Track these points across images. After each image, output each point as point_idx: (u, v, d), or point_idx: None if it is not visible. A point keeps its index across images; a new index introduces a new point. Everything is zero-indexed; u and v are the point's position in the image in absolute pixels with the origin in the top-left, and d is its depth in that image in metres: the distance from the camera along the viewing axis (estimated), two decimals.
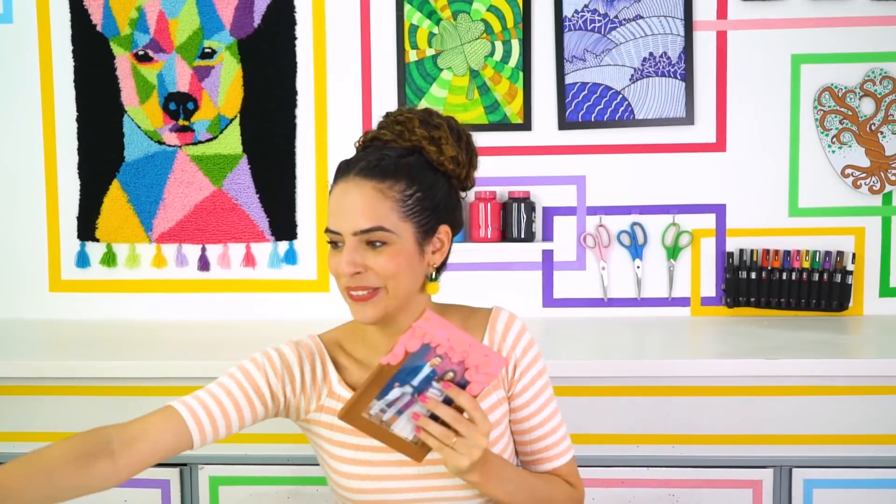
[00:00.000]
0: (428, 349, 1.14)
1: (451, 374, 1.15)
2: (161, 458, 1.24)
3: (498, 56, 2.41)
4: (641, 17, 2.38)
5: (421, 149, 1.29)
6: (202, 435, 1.26)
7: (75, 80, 2.48)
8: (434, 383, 1.15)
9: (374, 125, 1.36)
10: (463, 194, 1.37)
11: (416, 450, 1.19)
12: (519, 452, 1.39)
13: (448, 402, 1.17)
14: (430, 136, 1.29)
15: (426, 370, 1.15)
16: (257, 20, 2.44)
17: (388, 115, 1.33)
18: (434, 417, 1.17)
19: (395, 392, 1.16)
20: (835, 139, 2.36)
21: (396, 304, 1.27)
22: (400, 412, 1.17)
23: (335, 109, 2.45)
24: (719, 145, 2.40)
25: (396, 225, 1.24)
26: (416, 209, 1.26)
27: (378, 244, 1.24)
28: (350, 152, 1.36)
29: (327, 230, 1.27)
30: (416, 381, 1.15)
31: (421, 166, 1.28)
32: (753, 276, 2.36)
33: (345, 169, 1.27)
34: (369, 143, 1.32)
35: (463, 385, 1.16)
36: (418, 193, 1.26)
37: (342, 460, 1.32)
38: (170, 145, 2.47)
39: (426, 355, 1.14)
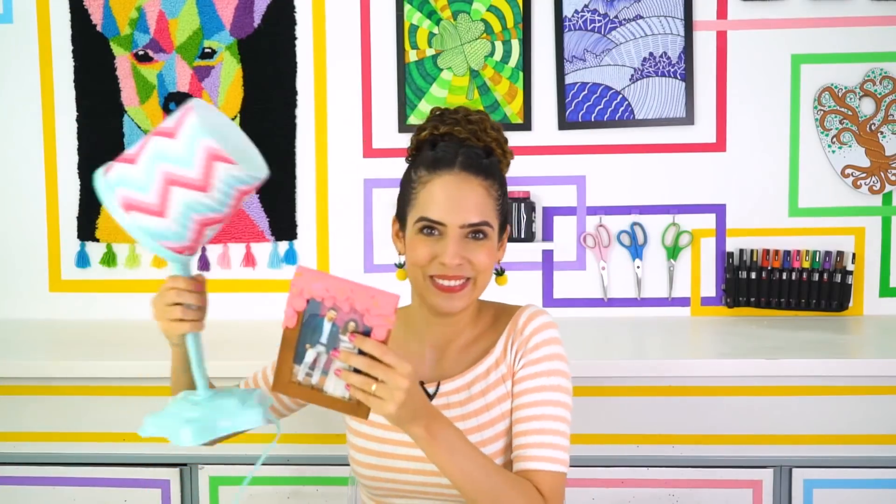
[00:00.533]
0: (318, 305, 1.14)
1: (353, 324, 1.14)
2: None
3: (498, 56, 2.41)
4: (641, 17, 2.38)
5: (491, 150, 1.35)
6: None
7: (75, 80, 2.48)
8: (341, 336, 1.14)
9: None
10: None
11: (355, 407, 1.17)
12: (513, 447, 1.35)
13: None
14: (499, 139, 1.36)
15: (327, 325, 1.14)
16: (257, 20, 2.44)
17: (446, 112, 1.36)
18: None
19: (310, 354, 1.15)
20: (835, 139, 2.36)
21: (478, 296, 1.34)
22: (325, 372, 1.16)
23: (335, 109, 2.45)
24: (719, 145, 2.40)
25: (493, 222, 1.31)
26: (500, 209, 1.34)
27: (479, 236, 1.29)
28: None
29: (426, 219, 1.29)
30: (323, 339, 1.15)
31: (499, 169, 1.36)
32: (753, 276, 2.36)
33: (441, 162, 1.30)
34: (440, 138, 1.34)
35: (367, 332, 1.14)
36: (502, 194, 1.35)
37: (357, 434, 1.37)
38: None
39: (320, 311, 1.14)
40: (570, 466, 1.43)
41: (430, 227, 1.29)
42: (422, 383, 1.34)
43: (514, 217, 2.35)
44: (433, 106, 2.45)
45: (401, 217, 1.36)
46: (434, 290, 1.29)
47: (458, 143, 1.32)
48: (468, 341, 1.39)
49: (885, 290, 2.39)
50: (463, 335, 1.39)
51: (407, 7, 2.42)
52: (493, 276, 1.38)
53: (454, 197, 1.28)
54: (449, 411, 1.32)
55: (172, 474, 1.94)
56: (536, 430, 1.29)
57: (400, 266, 1.41)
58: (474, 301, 1.35)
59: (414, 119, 2.43)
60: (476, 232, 1.29)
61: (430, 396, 1.34)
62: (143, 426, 1.20)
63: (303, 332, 1.15)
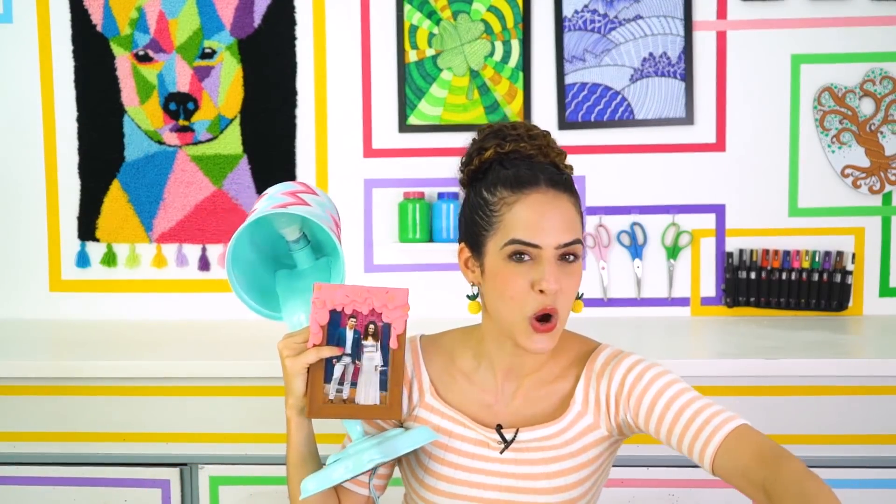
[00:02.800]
0: (338, 315, 1.17)
1: (372, 327, 1.19)
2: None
3: (498, 56, 2.41)
4: (641, 18, 2.38)
5: (558, 166, 1.26)
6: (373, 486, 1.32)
7: (75, 80, 2.48)
8: (364, 342, 1.18)
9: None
10: None
11: (387, 409, 1.20)
12: (686, 451, 1.22)
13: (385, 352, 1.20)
14: (562, 153, 1.28)
15: (349, 334, 1.18)
16: (257, 20, 2.44)
17: (504, 128, 1.27)
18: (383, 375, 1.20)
19: (338, 368, 1.19)
20: (835, 139, 2.36)
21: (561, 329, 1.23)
22: (354, 384, 1.19)
23: (335, 109, 2.45)
24: (719, 145, 2.40)
25: (583, 241, 1.23)
26: (583, 230, 1.25)
27: (569, 261, 1.20)
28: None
29: (518, 241, 1.18)
30: (348, 349, 1.18)
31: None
32: (753, 276, 2.36)
33: (526, 181, 1.21)
34: (505, 155, 1.25)
35: (387, 329, 1.19)
36: (583, 213, 1.26)
37: (440, 461, 1.29)
38: (170, 145, 2.47)
39: (340, 321, 1.18)
40: None
41: (521, 253, 1.18)
42: (499, 427, 1.27)
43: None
44: (436, 108, 2.47)
45: (475, 245, 1.24)
46: (530, 332, 1.19)
47: (528, 159, 1.24)
48: (547, 378, 1.30)
49: (885, 290, 2.39)
50: (543, 369, 1.30)
51: (407, 7, 2.42)
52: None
53: (546, 216, 1.18)
54: (528, 454, 1.26)
55: (172, 474, 1.94)
56: (689, 417, 1.20)
57: (472, 297, 1.29)
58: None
59: (414, 119, 2.43)
60: (568, 254, 1.19)
61: (508, 443, 1.26)
62: (304, 487, 1.21)
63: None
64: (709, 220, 2.41)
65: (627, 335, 2.22)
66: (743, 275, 2.36)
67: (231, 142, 2.46)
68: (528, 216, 1.19)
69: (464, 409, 1.30)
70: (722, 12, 2.38)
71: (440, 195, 2.38)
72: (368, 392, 1.19)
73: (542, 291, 1.17)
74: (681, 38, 2.38)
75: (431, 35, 2.42)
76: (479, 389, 1.30)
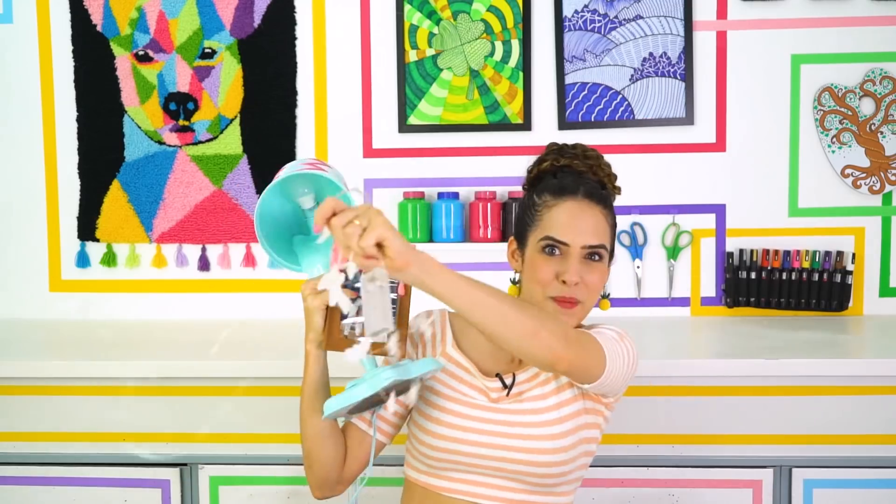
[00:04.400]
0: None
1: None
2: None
3: (498, 56, 2.41)
4: (641, 18, 2.38)
5: (604, 184, 1.47)
6: (385, 434, 1.50)
7: (75, 80, 2.48)
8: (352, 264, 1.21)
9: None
10: None
11: (382, 346, 1.29)
12: None
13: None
14: (610, 175, 1.48)
15: (352, 267, 1.22)
16: (257, 20, 2.44)
17: (565, 147, 1.48)
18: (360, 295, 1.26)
19: (352, 308, 1.28)
20: (835, 139, 2.36)
21: (585, 317, 1.44)
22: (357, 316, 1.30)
23: (335, 109, 2.45)
24: (719, 145, 2.40)
25: (608, 246, 1.43)
26: (611, 238, 1.45)
27: (595, 258, 1.41)
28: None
29: (551, 238, 1.40)
30: (352, 278, 1.26)
31: (612, 202, 1.48)
32: (753, 276, 2.36)
33: (567, 189, 1.42)
34: (559, 169, 1.46)
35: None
36: (614, 225, 1.46)
37: (434, 406, 1.43)
38: (170, 145, 2.47)
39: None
40: None
41: (553, 247, 1.40)
42: (498, 375, 1.42)
43: (515, 217, 2.35)
44: (436, 108, 2.47)
45: (520, 237, 1.47)
46: (552, 305, 1.39)
47: (577, 174, 1.45)
48: None
49: (885, 290, 2.39)
50: None
51: (407, 7, 2.42)
52: (598, 300, 1.48)
53: (578, 220, 1.40)
54: (523, 396, 1.41)
55: (172, 474, 1.94)
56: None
57: (515, 283, 1.53)
58: (580, 322, 1.44)
59: (414, 119, 2.43)
60: (593, 254, 1.40)
61: (508, 388, 1.41)
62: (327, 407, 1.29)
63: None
64: (709, 220, 2.41)
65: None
66: (743, 275, 2.36)
67: (231, 142, 2.46)
68: (563, 218, 1.41)
69: (479, 361, 1.45)
70: (722, 12, 2.38)
71: (440, 195, 2.38)
72: (377, 328, 1.23)
73: (564, 282, 1.38)
74: (681, 38, 2.38)
75: (431, 35, 2.42)
76: (495, 349, 1.44)
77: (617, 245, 2.41)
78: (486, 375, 1.44)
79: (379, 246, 1.15)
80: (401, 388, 1.28)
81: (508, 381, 1.42)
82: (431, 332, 1.50)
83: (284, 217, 1.40)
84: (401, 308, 1.36)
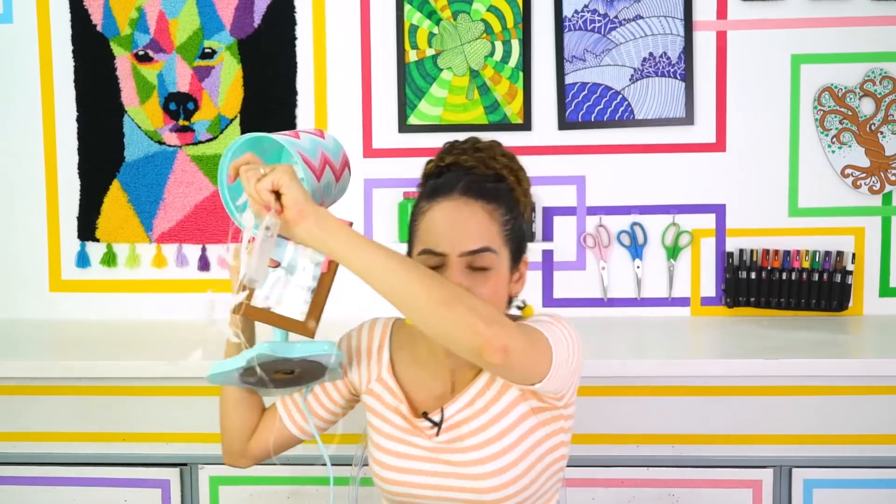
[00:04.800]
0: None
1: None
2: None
3: (498, 56, 2.41)
4: (641, 18, 2.38)
5: (503, 178, 1.28)
6: (296, 425, 1.39)
7: (75, 80, 2.48)
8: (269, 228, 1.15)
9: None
10: None
11: (302, 325, 1.21)
12: None
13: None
14: (510, 166, 1.29)
15: (288, 251, 1.21)
16: (257, 20, 2.44)
17: (456, 143, 1.31)
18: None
19: (270, 279, 1.21)
20: (835, 139, 2.36)
21: None
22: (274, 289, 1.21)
23: (335, 109, 2.45)
24: (719, 145, 2.40)
25: (500, 249, 1.23)
26: (511, 236, 1.25)
27: (482, 269, 1.21)
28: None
29: (427, 251, 1.22)
30: (284, 264, 1.22)
31: (510, 194, 1.28)
32: (753, 276, 2.36)
33: (441, 189, 1.24)
34: (446, 169, 1.29)
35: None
36: (513, 220, 1.26)
37: (377, 447, 1.33)
38: (170, 145, 2.47)
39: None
40: (571, 466, 1.43)
41: (432, 263, 1.21)
42: (425, 414, 1.29)
43: None
44: (436, 108, 2.47)
45: (409, 254, 1.29)
46: None
47: (464, 171, 1.27)
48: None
49: (885, 290, 2.39)
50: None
51: (407, 7, 2.42)
52: (518, 311, 1.32)
53: (452, 223, 1.21)
54: (459, 429, 1.28)
55: (172, 474, 1.94)
56: None
57: None
58: None
59: (414, 119, 2.43)
60: (478, 261, 1.21)
61: (438, 425, 1.28)
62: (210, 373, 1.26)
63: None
64: (709, 220, 2.41)
65: (627, 335, 2.22)
66: (743, 275, 2.36)
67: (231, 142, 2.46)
68: (436, 224, 1.22)
69: (413, 393, 1.33)
70: (722, 12, 2.38)
71: None
72: (291, 305, 1.20)
73: None
74: (681, 38, 2.38)
75: (431, 35, 2.42)
76: (430, 377, 1.33)
77: (617, 245, 2.43)
78: (416, 411, 1.31)
79: (278, 196, 1.09)
80: (290, 368, 1.22)
81: (437, 418, 1.28)
82: (367, 346, 1.37)
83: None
84: (320, 285, 1.21)
